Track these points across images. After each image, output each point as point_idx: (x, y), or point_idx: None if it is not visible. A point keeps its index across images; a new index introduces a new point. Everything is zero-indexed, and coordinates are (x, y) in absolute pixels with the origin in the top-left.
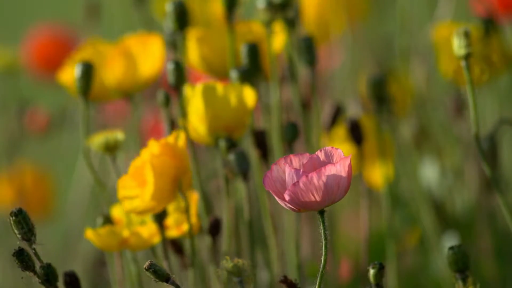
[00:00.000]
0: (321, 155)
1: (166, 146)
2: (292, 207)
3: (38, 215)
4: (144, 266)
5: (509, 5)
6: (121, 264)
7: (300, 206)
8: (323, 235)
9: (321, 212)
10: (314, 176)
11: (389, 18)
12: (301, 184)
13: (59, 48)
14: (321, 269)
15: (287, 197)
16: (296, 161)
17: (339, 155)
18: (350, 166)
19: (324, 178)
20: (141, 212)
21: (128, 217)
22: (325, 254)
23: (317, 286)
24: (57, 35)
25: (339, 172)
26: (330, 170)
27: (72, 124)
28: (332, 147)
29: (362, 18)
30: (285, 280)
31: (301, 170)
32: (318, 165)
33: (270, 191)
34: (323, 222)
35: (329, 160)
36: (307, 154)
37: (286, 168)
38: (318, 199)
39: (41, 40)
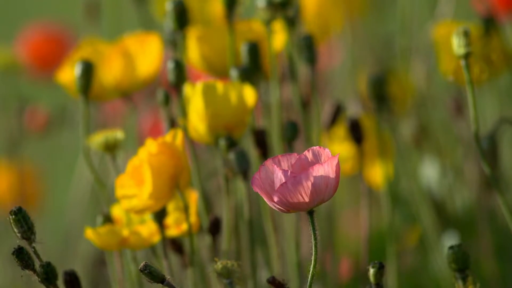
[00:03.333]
0: (309, 155)
1: (163, 145)
2: (281, 208)
3: (33, 213)
4: (139, 268)
5: (509, 4)
6: (121, 263)
7: (289, 207)
8: (312, 236)
9: (310, 213)
10: (302, 176)
11: (389, 17)
12: (289, 185)
13: (53, 47)
14: (311, 270)
15: (275, 198)
16: (284, 161)
17: (327, 154)
18: (338, 165)
19: (312, 179)
20: (140, 211)
21: (128, 216)
22: (315, 254)
23: (308, 286)
24: (52, 33)
25: (327, 172)
26: (318, 170)
27: (71, 123)
28: (320, 147)
29: (362, 17)
30: (273, 280)
31: (289, 170)
32: (306, 165)
33: (259, 192)
34: (312, 223)
35: (317, 160)
36: (295, 154)
37: (274, 169)
38: (306, 199)
39: (35, 38)
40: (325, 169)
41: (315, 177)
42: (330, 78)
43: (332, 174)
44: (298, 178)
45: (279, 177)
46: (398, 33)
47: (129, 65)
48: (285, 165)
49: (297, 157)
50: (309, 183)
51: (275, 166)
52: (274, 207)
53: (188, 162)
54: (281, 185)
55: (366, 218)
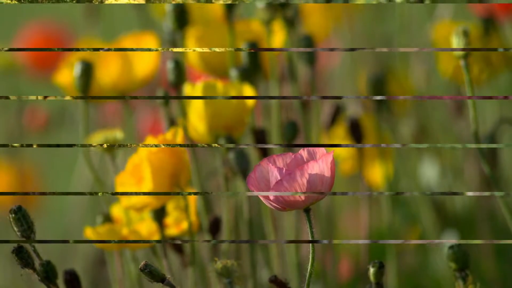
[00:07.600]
0: (304, 154)
1: (163, 143)
2: (277, 206)
3: (33, 212)
4: (139, 267)
5: (509, 4)
6: (121, 263)
7: (285, 205)
8: (310, 234)
9: (307, 211)
10: (297, 173)
11: (389, 17)
12: (284, 182)
13: (52, 47)
14: (309, 268)
15: (271, 196)
16: (279, 161)
17: (322, 152)
18: (333, 162)
19: (307, 175)
20: (139, 209)
21: (127, 215)
22: (313, 252)
23: (306, 285)
24: (51, 33)
25: (322, 169)
26: (312, 167)
27: (71, 122)
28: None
29: (361, 16)
30: (275, 279)
31: (284, 168)
32: (301, 164)
33: (255, 191)
34: (309, 221)
35: (312, 158)
36: (290, 153)
37: (270, 167)
38: (302, 197)
39: (34, 38)
40: (320, 166)
41: (310, 174)
42: (330, 78)
43: (327, 171)
44: (293, 175)
45: (274, 175)
46: (397, 33)
47: (126, 65)
48: (280, 164)
49: (293, 156)
50: (304, 180)
51: (270, 164)
52: (270, 206)
53: (188, 161)
54: (276, 182)
55: (366, 218)
